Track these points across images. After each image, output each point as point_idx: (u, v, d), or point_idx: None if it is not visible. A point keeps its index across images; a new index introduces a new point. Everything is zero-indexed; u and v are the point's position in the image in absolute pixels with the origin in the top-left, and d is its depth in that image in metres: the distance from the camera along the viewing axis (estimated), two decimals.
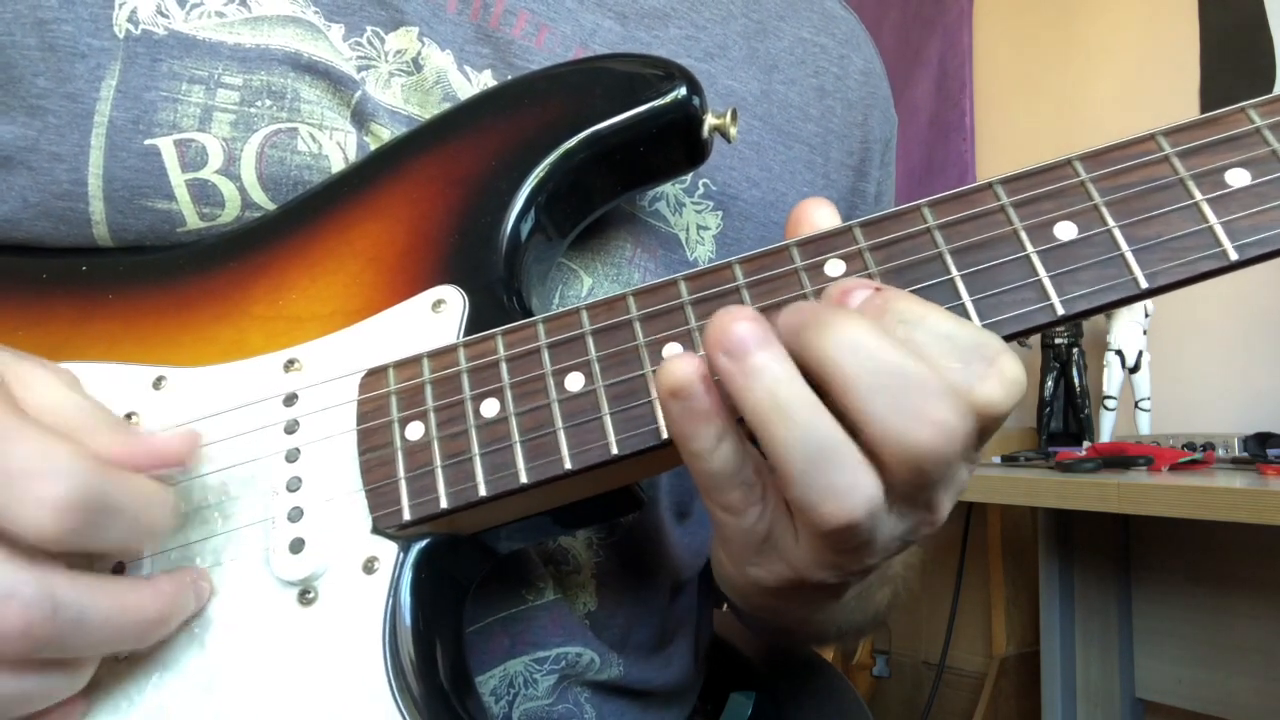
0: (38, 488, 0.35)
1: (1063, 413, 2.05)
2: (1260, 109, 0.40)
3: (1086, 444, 1.91)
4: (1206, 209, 0.39)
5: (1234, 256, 0.38)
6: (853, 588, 0.46)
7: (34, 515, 0.35)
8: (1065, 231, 0.40)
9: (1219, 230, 0.39)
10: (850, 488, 0.36)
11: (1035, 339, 2.08)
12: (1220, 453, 1.70)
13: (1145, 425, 1.92)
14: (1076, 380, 2.01)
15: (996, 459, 1.93)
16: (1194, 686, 1.80)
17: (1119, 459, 1.63)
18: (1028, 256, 0.40)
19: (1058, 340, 2.03)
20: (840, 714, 0.79)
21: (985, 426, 0.37)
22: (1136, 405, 1.93)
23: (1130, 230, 0.39)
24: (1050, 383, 2.04)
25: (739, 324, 0.37)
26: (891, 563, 0.67)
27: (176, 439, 0.43)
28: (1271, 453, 1.64)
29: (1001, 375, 0.36)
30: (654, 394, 0.42)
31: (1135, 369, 1.92)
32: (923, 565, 0.76)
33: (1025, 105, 2.39)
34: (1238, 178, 0.39)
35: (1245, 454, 1.66)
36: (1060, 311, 0.39)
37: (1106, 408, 1.94)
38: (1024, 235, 0.40)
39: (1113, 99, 2.18)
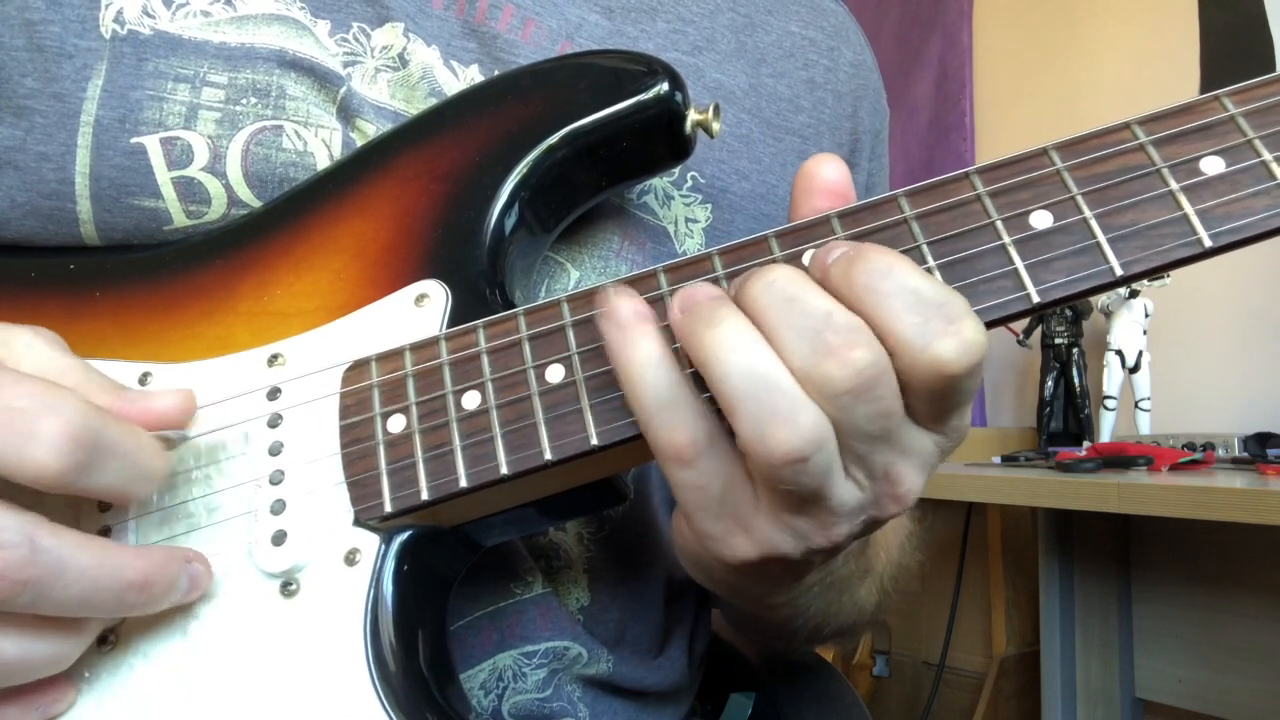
0: (39, 424, 0.37)
1: (1063, 413, 2.04)
2: (1234, 97, 0.40)
3: (1086, 444, 1.90)
4: (1182, 197, 0.39)
5: (1208, 244, 0.38)
6: (816, 570, 0.46)
7: (34, 451, 0.36)
8: (1041, 220, 0.40)
9: (1194, 218, 0.39)
10: (792, 414, 0.36)
11: (1035, 339, 2.08)
12: (1220, 453, 1.69)
13: (1145, 425, 1.92)
14: (1076, 380, 2.01)
15: (996, 459, 1.93)
16: (1194, 686, 1.79)
17: (1119, 459, 1.63)
18: (1004, 246, 0.40)
19: (1058, 340, 2.03)
20: (840, 715, 0.79)
21: (939, 390, 0.37)
22: (1136, 405, 1.93)
23: (1106, 219, 0.39)
24: (1050, 383, 2.04)
25: (697, 286, 0.40)
26: (874, 556, 0.67)
27: (172, 398, 0.44)
28: (1271, 453, 1.63)
29: (960, 335, 0.36)
30: None
31: (1135, 369, 1.92)
32: (922, 569, 0.75)
33: (1025, 105, 2.38)
34: (1212, 165, 0.39)
35: (1245, 454, 1.66)
36: (1036, 300, 0.39)
37: (1106, 408, 1.94)
38: (1000, 225, 0.40)
39: (1113, 99, 2.18)
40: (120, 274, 0.53)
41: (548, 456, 0.43)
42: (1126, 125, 0.41)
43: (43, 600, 0.38)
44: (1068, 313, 2.01)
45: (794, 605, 0.56)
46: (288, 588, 0.45)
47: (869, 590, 0.67)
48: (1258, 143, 0.39)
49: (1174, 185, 0.39)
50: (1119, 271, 0.39)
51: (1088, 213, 0.40)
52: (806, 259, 0.42)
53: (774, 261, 0.42)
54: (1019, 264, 0.40)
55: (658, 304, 0.43)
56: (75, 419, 0.37)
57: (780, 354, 0.37)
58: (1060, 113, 2.28)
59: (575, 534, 0.60)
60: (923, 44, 2.60)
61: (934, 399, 0.38)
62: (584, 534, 0.60)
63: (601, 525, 0.61)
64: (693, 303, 0.39)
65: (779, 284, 0.38)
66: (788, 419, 0.36)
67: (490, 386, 0.44)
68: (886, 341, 0.37)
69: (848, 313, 0.37)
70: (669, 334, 0.40)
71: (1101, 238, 0.39)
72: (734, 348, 0.37)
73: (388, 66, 0.57)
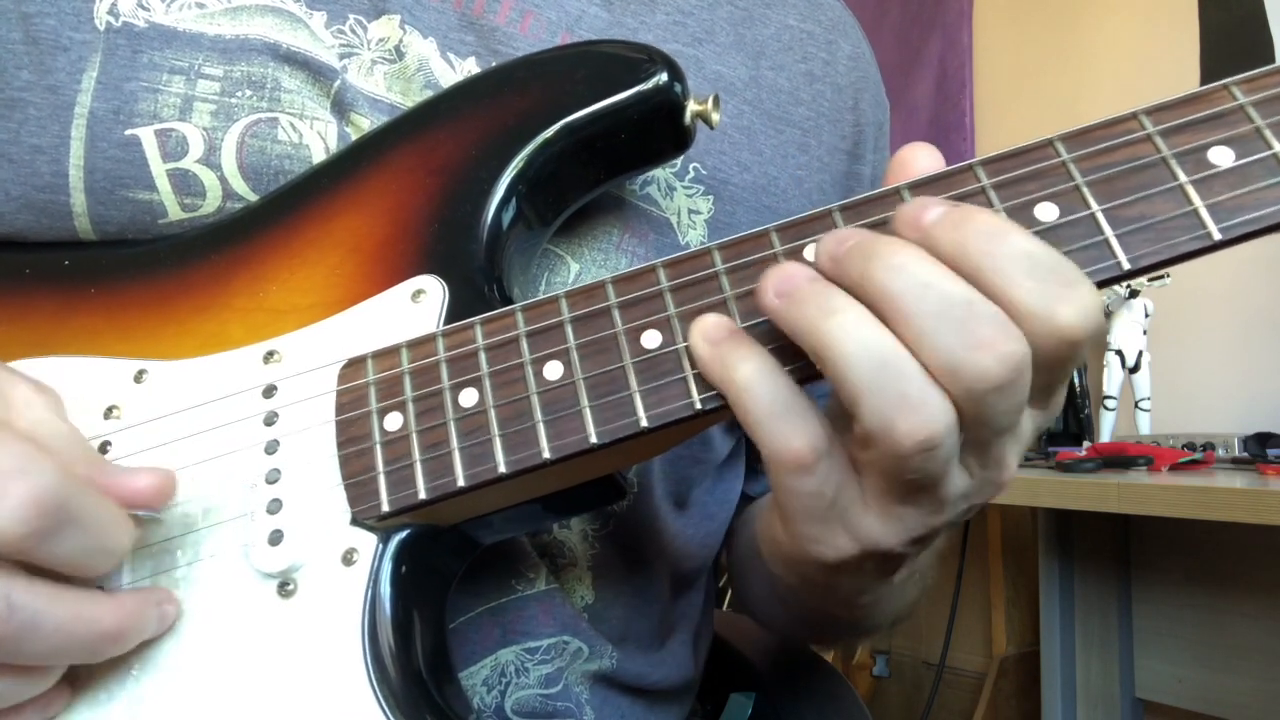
0: (7, 487, 0.36)
1: (1063, 413, 2.04)
2: (1243, 85, 0.39)
3: (1086, 444, 1.90)
4: (1190, 190, 0.38)
5: (1218, 237, 0.38)
6: (907, 564, 0.44)
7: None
8: (1046, 213, 0.39)
9: (1203, 211, 0.38)
10: (923, 400, 0.35)
11: None
12: (1220, 453, 1.69)
13: (1145, 425, 1.92)
14: (1076, 380, 2.00)
15: None
16: (1194, 686, 1.79)
17: (1119, 459, 1.63)
18: None
19: None
20: (840, 715, 0.78)
21: (1059, 357, 0.36)
22: (1136, 405, 1.92)
23: (1113, 212, 0.39)
24: None
25: (789, 266, 0.38)
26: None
27: (149, 479, 0.43)
28: (1271, 453, 1.63)
29: (1081, 300, 0.35)
30: (632, 383, 0.42)
31: (1135, 369, 1.92)
32: (939, 556, 0.74)
33: (1025, 105, 2.38)
34: (1221, 156, 0.38)
35: (1245, 454, 1.66)
36: None
37: (1106, 408, 1.94)
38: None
39: (1113, 99, 2.17)
40: (114, 270, 0.53)
41: (546, 456, 0.42)
42: (1134, 115, 0.40)
43: (17, 654, 0.38)
44: None
45: (880, 603, 0.55)
46: (285, 588, 0.44)
47: (914, 584, 0.66)
48: (1267, 132, 0.38)
49: (1183, 178, 0.38)
50: (1126, 266, 0.38)
51: (1094, 206, 0.39)
52: (808, 253, 0.41)
53: (774, 257, 0.42)
54: None
55: (655, 300, 0.43)
56: (45, 486, 0.36)
57: (913, 342, 0.36)
58: (1060, 113, 2.28)
59: (580, 531, 0.60)
60: (923, 44, 2.60)
61: (1051, 369, 0.37)
62: (588, 531, 0.60)
63: (606, 522, 0.61)
64: (792, 286, 0.38)
65: (910, 268, 0.36)
66: (917, 406, 0.35)
67: (488, 383, 0.44)
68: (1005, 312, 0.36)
69: (987, 300, 0.35)
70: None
71: (1109, 232, 0.38)
72: (855, 336, 0.36)
73: (384, 59, 0.57)
